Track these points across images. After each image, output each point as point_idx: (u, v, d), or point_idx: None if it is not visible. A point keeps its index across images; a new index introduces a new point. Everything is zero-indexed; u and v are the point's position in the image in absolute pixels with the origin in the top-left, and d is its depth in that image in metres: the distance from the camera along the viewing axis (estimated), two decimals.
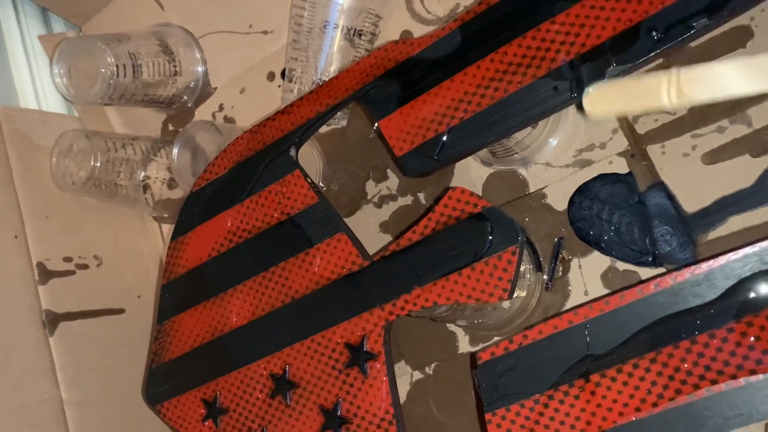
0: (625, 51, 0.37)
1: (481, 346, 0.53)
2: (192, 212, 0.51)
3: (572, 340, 0.37)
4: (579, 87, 0.39)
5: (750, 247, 0.34)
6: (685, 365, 0.34)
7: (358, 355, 0.43)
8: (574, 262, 0.50)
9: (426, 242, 0.42)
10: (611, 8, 0.38)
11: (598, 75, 0.38)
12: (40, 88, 0.71)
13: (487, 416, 0.38)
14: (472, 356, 0.40)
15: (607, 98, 0.37)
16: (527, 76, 0.40)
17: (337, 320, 0.44)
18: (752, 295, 0.33)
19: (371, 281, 0.43)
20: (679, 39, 0.36)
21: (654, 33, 0.37)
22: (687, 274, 0.35)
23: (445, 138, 0.42)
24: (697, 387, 0.34)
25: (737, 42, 0.45)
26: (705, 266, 0.34)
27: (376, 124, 0.45)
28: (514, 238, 0.39)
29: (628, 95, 0.36)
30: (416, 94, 0.43)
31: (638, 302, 0.36)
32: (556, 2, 0.39)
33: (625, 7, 0.38)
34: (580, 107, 0.38)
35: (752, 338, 0.33)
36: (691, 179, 0.47)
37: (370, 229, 0.58)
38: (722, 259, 0.34)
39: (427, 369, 0.55)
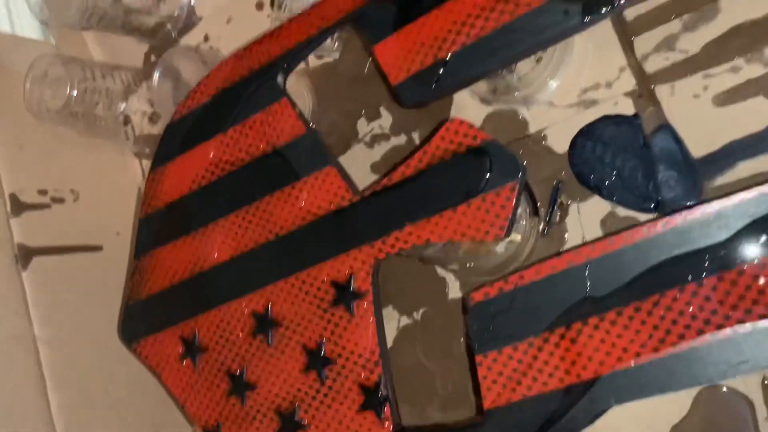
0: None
1: None
2: (172, 142, 0.49)
3: (571, 281, 0.35)
4: (590, 11, 0.36)
5: (766, 185, 0.31)
6: (690, 309, 0.32)
7: (344, 294, 0.41)
8: (573, 208, 0.48)
9: (420, 177, 0.40)
10: None
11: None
12: (13, 9, 0.67)
13: (478, 358, 0.37)
14: (464, 298, 0.38)
15: None
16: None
17: (324, 257, 0.42)
18: (766, 236, 0.31)
19: (361, 217, 0.41)
20: None
21: None
22: (697, 212, 0.33)
23: (445, 64, 0.40)
24: (701, 332, 0.32)
25: None
26: (716, 204, 0.32)
27: (369, 48, 0.42)
28: (514, 174, 0.37)
29: None
30: (415, 15, 0.40)
31: (644, 242, 0.34)
32: None
33: None
34: None
35: (762, 281, 0.31)
36: (701, 122, 0.45)
37: (361, 170, 0.56)
38: (735, 198, 0.32)
39: (414, 314, 0.53)
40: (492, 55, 0.38)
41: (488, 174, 0.37)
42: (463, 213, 0.38)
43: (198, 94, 0.48)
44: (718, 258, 0.32)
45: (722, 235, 0.32)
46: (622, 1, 0.35)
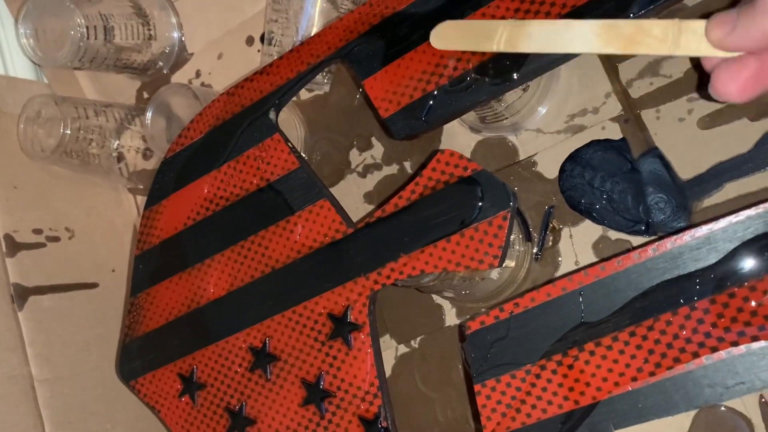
0: (624, 2, 0.35)
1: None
2: (166, 179, 0.49)
3: (566, 308, 0.36)
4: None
5: (753, 208, 0.32)
6: (684, 332, 0.33)
7: (341, 326, 0.41)
8: (565, 232, 0.49)
9: (413, 208, 0.40)
10: None
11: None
12: (6, 51, 0.67)
13: (476, 387, 0.37)
14: (461, 326, 0.38)
15: (450, 34, 0.39)
16: None
17: (320, 290, 0.42)
18: (755, 258, 0.32)
19: (355, 249, 0.41)
20: None
21: None
22: (687, 237, 0.33)
23: (433, 98, 0.40)
24: (696, 355, 0.32)
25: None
26: (705, 229, 0.33)
27: (359, 83, 0.43)
28: (506, 203, 0.37)
29: (468, 34, 0.38)
30: (403, 51, 0.41)
31: (635, 267, 0.34)
32: None
33: None
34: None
35: (754, 303, 0.32)
36: (687, 145, 0.46)
37: (354, 199, 0.56)
38: (723, 222, 0.32)
39: (412, 342, 0.53)
40: (480, 87, 0.39)
41: (480, 204, 0.38)
42: (457, 243, 0.38)
43: (191, 131, 0.48)
44: (709, 281, 0.33)
45: (712, 259, 0.33)
46: None
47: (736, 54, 0.30)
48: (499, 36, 0.36)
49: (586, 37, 0.34)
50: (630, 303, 0.34)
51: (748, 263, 0.32)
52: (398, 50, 0.41)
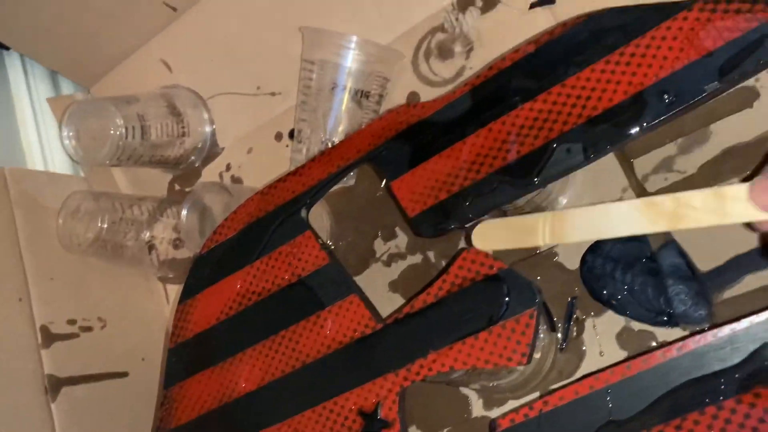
0: (637, 114, 0.38)
1: (494, 410, 0.51)
2: (201, 274, 0.51)
3: (594, 406, 0.36)
4: (593, 149, 0.39)
5: None
6: None
7: (371, 423, 0.42)
8: (588, 322, 0.50)
9: (441, 305, 0.41)
10: (621, 72, 0.38)
11: (610, 137, 0.38)
12: (47, 149, 0.71)
13: None
14: (491, 424, 0.39)
15: (493, 234, 0.40)
16: (539, 138, 0.40)
17: (350, 386, 0.43)
18: None
19: (385, 345, 0.43)
20: (690, 102, 0.37)
21: (666, 96, 0.37)
22: (710, 336, 0.34)
23: (458, 199, 0.42)
24: None
25: (744, 102, 0.46)
26: (728, 329, 0.34)
27: (386, 184, 0.45)
28: (532, 301, 0.39)
29: (510, 232, 0.40)
30: (428, 155, 0.43)
31: (661, 366, 0.35)
32: (567, 66, 0.40)
33: (635, 71, 0.38)
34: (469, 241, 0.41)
35: None
36: (704, 237, 0.47)
37: (379, 288, 0.58)
38: (745, 322, 0.33)
39: None
40: (502, 190, 0.41)
41: (506, 301, 0.39)
42: (485, 340, 0.39)
43: (226, 228, 0.51)
44: (735, 381, 0.33)
45: (736, 359, 0.34)
46: (620, 140, 0.38)
47: None
48: (542, 230, 0.38)
49: (630, 218, 0.35)
50: (657, 402, 0.35)
51: None
52: (423, 154, 0.44)
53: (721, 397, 0.33)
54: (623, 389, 0.36)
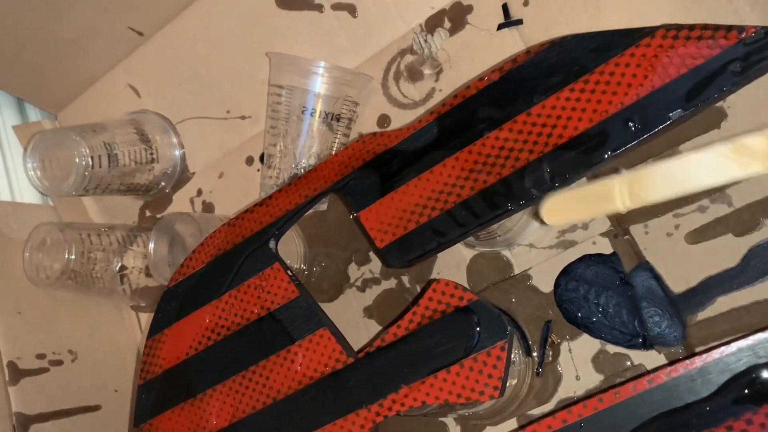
0: (602, 142, 0.37)
1: None
2: (169, 308, 0.50)
3: None
4: (559, 177, 0.38)
5: (743, 340, 0.33)
6: None
7: None
8: (564, 346, 0.49)
9: (412, 338, 0.41)
10: (587, 99, 0.38)
11: (577, 165, 0.38)
12: (14, 178, 0.70)
13: None
14: None
15: (563, 207, 0.37)
16: (506, 168, 0.40)
17: (322, 422, 0.42)
18: (748, 390, 0.32)
19: (356, 380, 0.42)
20: (655, 130, 0.36)
21: (630, 124, 0.37)
22: (681, 369, 0.34)
23: (426, 229, 0.42)
24: None
25: (711, 123, 0.45)
26: (698, 361, 0.34)
27: (354, 214, 0.44)
28: (503, 333, 0.38)
29: (583, 202, 0.37)
30: (395, 185, 0.43)
31: (632, 399, 0.35)
32: (532, 94, 0.39)
33: (600, 99, 0.38)
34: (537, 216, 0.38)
35: None
36: (676, 259, 0.47)
37: (354, 313, 0.57)
38: (715, 354, 0.33)
39: None
40: (469, 220, 0.40)
41: (477, 334, 0.39)
42: (457, 374, 0.39)
43: (193, 261, 0.50)
44: (706, 414, 0.33)
45: (706, 391, 0.33)
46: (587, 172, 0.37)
47: None
48: (618, 194, 0.35)
49: (719, 165, 0.32)
50: None
51: (742, 396, 0.32)
52: (391, 184, 0.43)
53: (694, 431, 0.33)
54: (596, 423, 0.35)
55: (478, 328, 0.39)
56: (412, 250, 0.42)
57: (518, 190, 0.40)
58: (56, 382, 0.60)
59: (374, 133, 0.45)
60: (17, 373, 0.57)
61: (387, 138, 0.44)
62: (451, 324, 0.40)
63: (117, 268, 0.63)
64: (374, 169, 0.44)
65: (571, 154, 0.38)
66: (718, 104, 0.45)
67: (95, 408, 0.61)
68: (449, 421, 0.52)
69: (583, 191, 0.37)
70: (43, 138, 0.59)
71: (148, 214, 0.69)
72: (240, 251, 0.48)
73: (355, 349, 0.44)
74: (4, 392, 0.56)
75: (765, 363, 0.32)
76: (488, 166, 0.40)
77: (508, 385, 0.48)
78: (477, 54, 0.54)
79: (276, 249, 0.47)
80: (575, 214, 0.38)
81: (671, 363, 0.34)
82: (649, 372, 0.34)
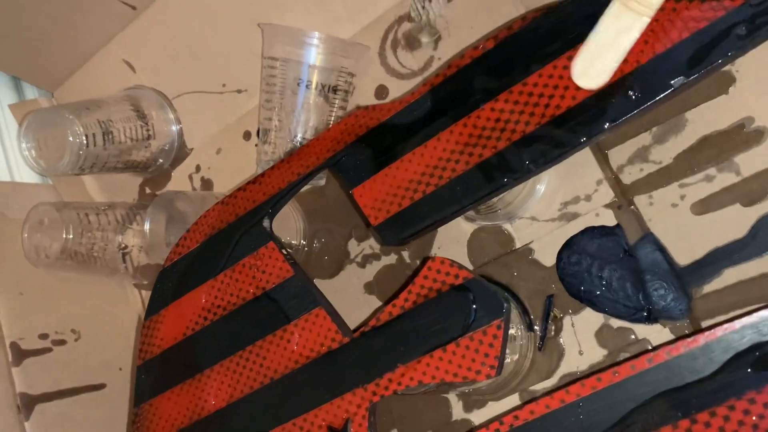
0: (602, 112, 0.36)
1: (474, 412, 0.50)
2: (165, 289, 0.49)
3: (565, 420, 0.35)
4: (558, 149, 0.37)
5: (747, 317, 0.32)
6: None
7: None
8: (567, 320, 0.48)
9: (407, 316, 0.40)
10: None
11: (575, 138, 0.36)
12: (12, 158, 0.69)
13: None
14: None
15: (589, 64, 0.35)
16: (502, 140, 0.38)
17: (319, 402, 0.41)
18: (752, 369, 0.31)
19: (352, 360, 0.41)
20: (657, 98, 0.35)
21: (631, 92, 0.35)
22: (682, 348, 0.33)
23: (421, 205, 0.41)
24: None
25: (719, 89, 0.44)
26: (701, 339, 0.32)
27: (348, 191, 0.43)
28: (499, 311, 0.37)
29: (604, 46, 0.35)
30: (389, 161, 0.41)
31: (632, 378, 0.34)
32: (528, 63, 0.38)
33: None
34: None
35: (755, 417, 0.31)
36: (682, 230, 0.45)
37: (355, 290, 0.56)
38: (718, 332, 0.32)
39: None
40: (466, 195, 0.39)
41: (473, 313, 0.38)
42: (453, 353, 0.38)
43: (188, 240, 0.49)
44: (708, 393, 0.32)
45: (709, 370, 0.32)
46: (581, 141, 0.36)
47: None
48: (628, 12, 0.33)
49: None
50: (628, 416, 0.33)
51: (745, 374, 0.31)
52: (385, 159, 0.42)
53: (695, 411, 0.32)
54: (595, 402, 0.34)
55: (474, 307, 0.38)
56: (407, 227, 0.41)
57: (515, 164, 0.38)
58: (60, 362, 0.60)
59: (367, 107, 0.44)
60: (20, 354, 0.57)
61: (380, 112, 0.42)
62: (447, 302, 0.39)
63: (118, 246, 0.62)
64: (367, 145, 0.43)
65: (569, 125, 0.37)
66: (726, 68, 0.43)
67: (100, 387, 0.61)
68: (451, 396, 0.51)
69: (596, 37, 0.35)
70: (36, 117, 0.58)
71: (148, 191, 0.69)
72: (234, 230, 0.47)
73: (355, 325, 0.43)
74: (7, 373, 0.56)
75: None
76: (484, 139, 0.39)
77: (509, 360, 0.47)
78: (477, 20, 0.52)
79: (270, 227, 0.46)
80: (606, 62, 0.36)
81: (673, 341, 0.33)
82: (649, 350, 0.33)
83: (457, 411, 0.51)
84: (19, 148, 0.58)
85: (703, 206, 0.44)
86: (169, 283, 0.49)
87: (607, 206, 0.47)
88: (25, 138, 0.58)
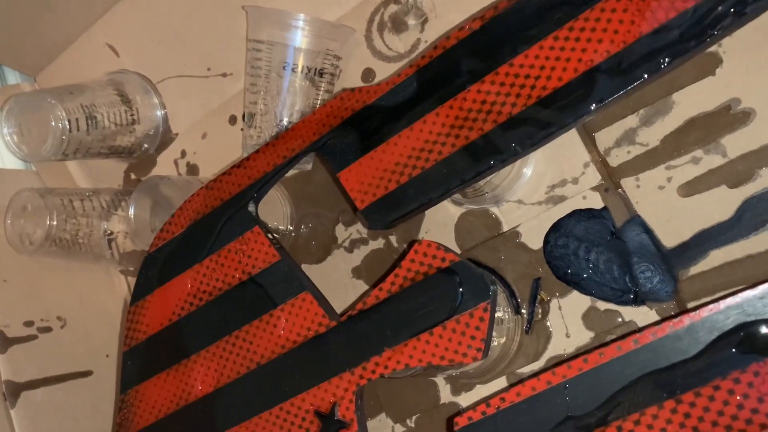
0: (588, 93, 0.35)
1: (462, 395, 0.50)
2: (150, 274, 0.49)
3: (552, 402, 0.35)
4: (544, 131, 0.37)
5: (731, 298, 0.32)
6: (671, 426, 0.32)
7: (329, 424, 0.40)
8: (554, 303, 0.48)
9: (394, 300, 0.40)
10: (571, 48, 0.36)
11: (561, 118, 0.36)
12: None
13: None
14: (449, 421, 0.38)
15: None
16: (488, 122, 0.38)
17: (306, 387, 0.41)
18: (736, 349, 0.31)
19: (339, 344, 0.41)
20: (643, 79, 0.34)
21: (617, 73, 0.35)
22: (667, 329, 0.33)
23: (407, 189, 0.40)
24: None
25: (705, 70, 0.43)
26: (686, 320, 0.32)
27: (334, 174, 0.43)
28: (486, 294, 0.37)
29: None
30: (375, 144, 0.41)
31: (618, 359, 0.34)
32: (514, 44, 0.37)
33: (585, 47, 0.36)
34: None
35: (740, 396, 0.31)
36: (669, 212, 0.45)
37: (342, 275, 0.56)
38: (703, 312, 0.32)
39: (408, 422, 0.52)
40: (452, 177, 0.39)
41: (460, 296, 0.38)
42: (440, 336, 0.38)
43: (173, 225, 0.49)
44: (693, 373, 0.32)
45: (693, 350, 0.32)
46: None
47: None
48: None
49: None
50: (615, 396, 0.34)
51: (730, 354, 0.31)
52: (370, 142, 0.41)
53: (679, 391, 0.32)
54: (581, 384, 0.34)
55: (460, 290, 0.38)
56: (393, 210, 0.41)
57: (502, 146, 0.38)
58: (46, 349, 0.59)
59: (353, 89, 0.43)
60: (5, 341, 0.57)
61: (366, 94, 0.42)
62: (434, 286, 0.39)
63: (103, 232, 0.62)
64: (353, 127, 0.42)
65: (556, 106, 0.36)
66: (713, 49, 0.43)
67: (87, 373, 0.61)
68: (439, 380, 0.51)
69: None
70: (17, 102, 0.57)
71: (133, 177, 0.68)
72: (219, 215, 0.46)
73: (342, 310, 0.43)
74: None
75: (754, 321, 0.31)
76: (470, 121, 0.39)
77: (497, 343, 0.47)
78: (463, 2, 0.51)
79: (256, 212, 0.46)
80: None
81: (659, 322, 0.33)
82: (635, 331, 0.33)
83: (445, 394, 0.51)
84: (0, 134, 0.57)
85: (690, 188, 0.44)
86: (155, 269, 0.49)
87: (594, 189, 0.47)
88: (7, 123, 0.57)
